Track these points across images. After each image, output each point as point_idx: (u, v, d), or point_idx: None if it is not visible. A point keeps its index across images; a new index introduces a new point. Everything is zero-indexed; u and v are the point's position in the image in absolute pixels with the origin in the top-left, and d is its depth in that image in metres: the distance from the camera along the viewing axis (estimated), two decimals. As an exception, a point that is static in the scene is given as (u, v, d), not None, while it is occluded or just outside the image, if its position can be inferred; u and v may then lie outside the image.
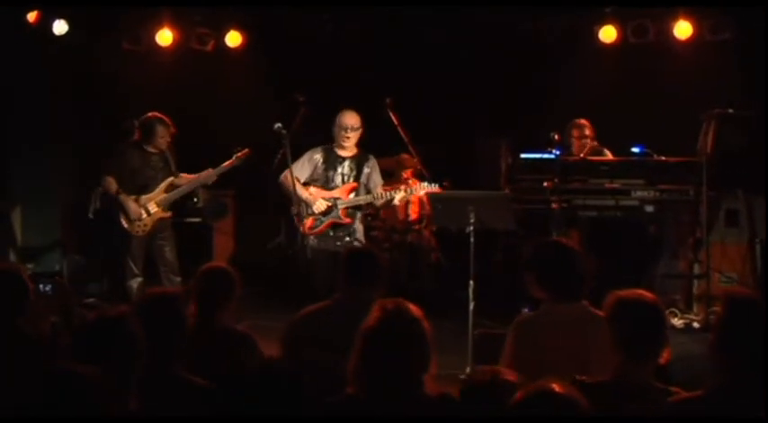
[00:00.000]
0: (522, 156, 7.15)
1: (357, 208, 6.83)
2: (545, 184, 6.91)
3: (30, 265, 7.97)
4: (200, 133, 8.32)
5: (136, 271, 7.07)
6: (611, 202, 6.98)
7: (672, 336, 3.35)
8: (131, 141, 7.18)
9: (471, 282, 5.76)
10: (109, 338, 2.84)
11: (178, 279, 7.04)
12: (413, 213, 8.34)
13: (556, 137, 6.90)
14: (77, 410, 2.35)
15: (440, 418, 2.85)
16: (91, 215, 8.09)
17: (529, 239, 6.29)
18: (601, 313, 3.37)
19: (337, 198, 6.73)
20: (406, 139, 7.19)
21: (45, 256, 8.67)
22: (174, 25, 8.91)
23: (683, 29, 8.13)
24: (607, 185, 6.96)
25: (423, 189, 6.75)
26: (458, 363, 5.57)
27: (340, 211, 6.73)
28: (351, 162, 6.80)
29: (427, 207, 7.73)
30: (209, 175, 7.18)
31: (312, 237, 6.69)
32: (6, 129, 8.62)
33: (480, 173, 8.59)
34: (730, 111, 6.92)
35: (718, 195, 7.08)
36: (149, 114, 7.09)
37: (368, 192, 6.80)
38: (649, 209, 6.95)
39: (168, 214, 7.17)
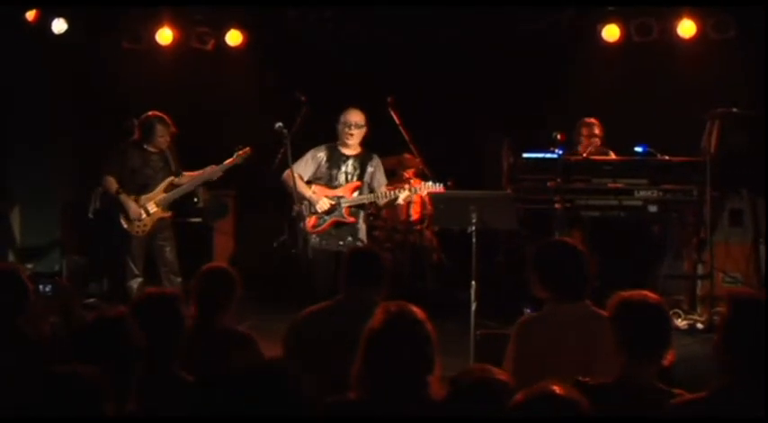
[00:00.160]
0: (525, 155, 7.11)
1: (360, 207, 6.82)
2: (548, 183, 6.89)
3: (29, 266, 7.97)
4: (200, 133, 8.29)
5: (136, 271, 7.05)
6: (614, 202, 6.96)
7: (675, 337, 3.32)
8: (131, 141, 7.15)
9: (473, 282, 5.74)
10: (108, 339, 2.84)
11: (178, 279, 7.02)
12: (414, 213, 8.31)
13: (558, 136, 6.86)
14: (77, 411, 2.36)
15: (445, 420, 2.82)
16: (91, 215, 8.07)
17: (531, 239, 6.27)
18: (604, 313, 3.35)
19: (341, 197, 6.72)
20: (407, 139, 7.16)
21: (45, 257, 8.66)
22: (175, 24, 8.90)
23: (686, 27, 8.10)
24: (610, 185, 6.94)
25: (427, 189, 6.74)
26: (459, 364, 5.52)
27: (344, 210, 6.71)
28: (355, 161, 6.78)
29: (429, 207, 7.70)
30: (213, 171, 7.15)
31: (314, 235, 6.67)
32: (6, 128, 8.60)
33: (483, 172, 8.56)
34: (734, 110, 6.90)
35: (722, 195, 7.07)
36: (149, 113, 7.07)
37: (371, 191, 6.79)
38: (653, 209, 6.93)
39: (168, 214, 7.14)
